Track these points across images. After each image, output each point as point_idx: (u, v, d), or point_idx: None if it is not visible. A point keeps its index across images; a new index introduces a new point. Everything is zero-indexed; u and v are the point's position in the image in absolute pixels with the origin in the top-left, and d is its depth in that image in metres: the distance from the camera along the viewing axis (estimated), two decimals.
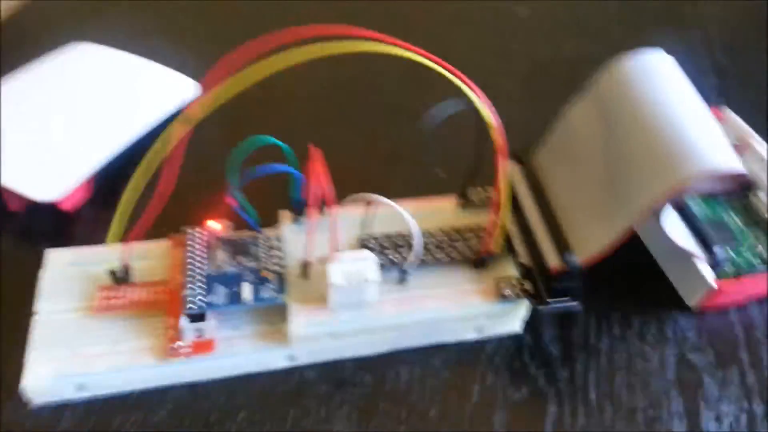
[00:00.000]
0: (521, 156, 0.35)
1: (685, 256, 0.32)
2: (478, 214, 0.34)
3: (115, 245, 0.30)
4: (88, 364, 0.28)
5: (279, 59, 0.24)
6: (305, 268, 0.30)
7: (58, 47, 0.41)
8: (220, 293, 0.29)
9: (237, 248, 0.31)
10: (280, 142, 0.29)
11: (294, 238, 0.32)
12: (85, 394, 0.29)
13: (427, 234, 0.32)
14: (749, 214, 0.36)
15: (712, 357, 0.31)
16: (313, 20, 0.24)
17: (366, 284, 0.28)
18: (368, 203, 0.30)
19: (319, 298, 0.30)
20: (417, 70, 0.45)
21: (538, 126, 0.35)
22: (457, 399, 0.30)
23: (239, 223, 0.32)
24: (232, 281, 0.29)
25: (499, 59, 0.48)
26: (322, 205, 0.32)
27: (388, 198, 0.29)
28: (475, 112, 0.27)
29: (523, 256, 0.32)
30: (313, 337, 0.29)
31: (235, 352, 0.29)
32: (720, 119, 0.39)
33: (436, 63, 0.25)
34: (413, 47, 0.24)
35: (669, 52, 0.33)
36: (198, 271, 0.30)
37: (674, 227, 0.32)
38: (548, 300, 0.30)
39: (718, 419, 0.29)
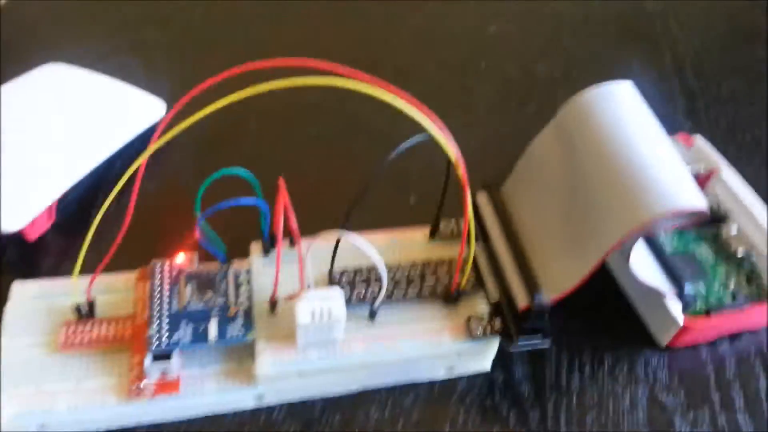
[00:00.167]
0: (491, 186, 0.35)
1: (655, 294, 0.32)
2: (449, 246, 0.34)
3: (81, 278, 0.29)
4: (52, 402, 0.28)
5: (242, 92, 0.23)
6: (273, 304, 0.30)
7: (31, 68, 0.40)
8: (186, 331, 0.28)
9: (204, 283, 0.30)
10: (247, 175, 0.28)
11: (263, 272, 0.31)
12: None
13: (398, 267, 0.32)
14: (720, 246, 0.35)
15: (682, 397, 0.31)
16: (277, 48, 0.24)
17: (333, 322, 0.28)
18: (337, 241, 0.29)
19: (287, 335, 0.29)
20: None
21: (511, 149, 0.35)
22: None
23: (210, 255, 0.31)
24: (198, 318, 0.29)
25: (469, 79, 0.48)
26: (293, 239, 0.32)
27: (359, 227, 0.29)
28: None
29: (493, 292, 0.31)
30: (281, 376, 0.29)
31: (202, 391, 0.29)
32: (689, 145, 0.39)
33: (396, 96, 0.24)
34: (373, 81, 0.24)
35: (639, 75, 0.33)
36: (164, 307, 0.29)
37: (643, 263, 0.32)
38: (518, 339, 0.30)
39: None
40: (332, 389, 0.30)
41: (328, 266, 0.31)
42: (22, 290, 0.31)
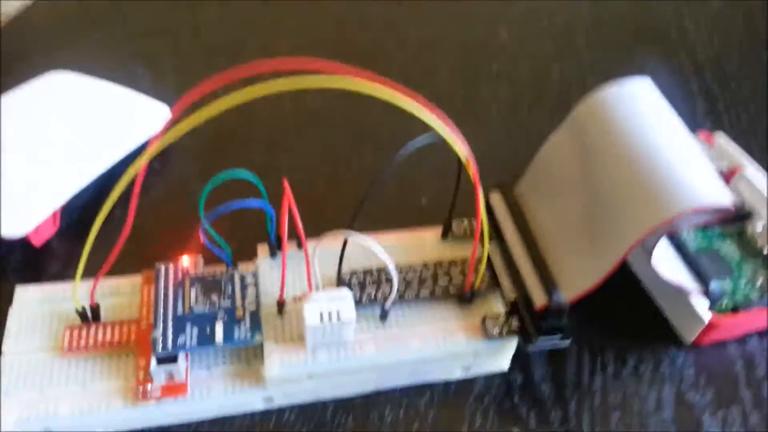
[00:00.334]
0: (505, 186, 0.34)
1: (680, 291, 0.31)
2: (462, 246, 0.33)
3: (83, 281, 0.28)
4: (56, 407, 0.27)
5: (246, 92, 0.22)
6: (281, 306, 0.29)
7: (35, 75, 0.40)
8: (192, 334, 0.28)
9: (210, 286, 0.29)
10: (251, 176, 0.28)
11: (270, 274, 0.31)
12: None
13: (409, 268, 0.31)
14: (746, 244, 0.34)
15: (711, 396, 0.30)
16: (285, 49, 0.23)
17: (343, 324, 0.27)
18: (345, 241, 0.28)
19: (296, 337, 0.28)
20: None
21: (525, 152, 0.34)
22: None
23: (215, 259, 0.30)
24: (204, 321, 0.28)
25: (481, 83, 0.47)
26: (300, 241, 0.31)
27: (370, 228, 0.28)
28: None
29: (509, 291, 0.30)
30: (291, 378, 0.28)
31: (209, 394, 0.28)
32: (711, 143, 0.38)
33: (405, 97, 0.23)
34: (380, 80, 0.23)
35: (656, 76, 0.32)
36: (168, 310, 0.28)
37: (667, 260, 0.31)
38: (536, 338, 0.28)
39: None
40: (344, 391, 0.29)
41: (336, 267, 0.30)
42: (25, 295, 0.30)
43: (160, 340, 0.27)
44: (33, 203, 0.33)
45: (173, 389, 0.27)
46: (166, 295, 0.29)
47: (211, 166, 0.28)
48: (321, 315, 0.27)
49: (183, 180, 0.38)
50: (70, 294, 0.29)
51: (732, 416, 0.29)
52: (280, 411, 0.29)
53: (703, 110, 0.45)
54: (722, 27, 0.54)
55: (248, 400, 0.28)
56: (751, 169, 0.36)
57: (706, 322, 0.30)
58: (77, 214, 0.36)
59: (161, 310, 0.28)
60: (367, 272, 0.30)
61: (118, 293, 0.31)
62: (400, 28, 0.53)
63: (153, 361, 0.27)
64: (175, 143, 0.38)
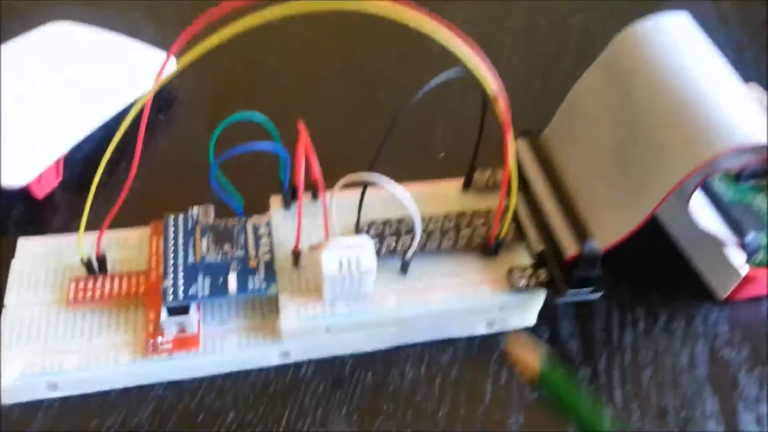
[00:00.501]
0: (531, 133, 0.32)
1: (715, 244, 0.29)
2: (485, 198, 0.31)
3: (89, 233, 0.27)
4: (61, 362, 0.26)
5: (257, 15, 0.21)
6: (296, 256, 0.27)
7: (34, 26, 0.38)
8: (204, 284, 0.26)
9: (222, 236, 0.28)
10: (262, 118, 0.26)
11: (284, 225, 0.29)
12: (58, 394, 0.26)
13: (431, 219, 0.29)
14: None
15: (747, 353, 0.29)
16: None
17: (363, 273, 0.25)
18: (365, 185, 0.27)
19: (313, 288, 0.27)
20: (415, 42, 0.43)
21: (546, 104, 0.32)
22: (467, 400, 0.27)
23: (226, 210, 0.29)
24: (216, 271, 0.27)
25: (500, 34, 0.45)
26: (315, 190, 0.30)
27: (389, 180, 0.27)
28: (476, 82, 0.24)
29: (536, 243, 0.29)
30: (307, 331, 0.26)
31: (222, 348, 0.26)
32: None
33: (431, 21, 0.22)
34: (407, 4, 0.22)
35: None
36: (179, 260, 0.27)
37: (702, 212, 0.29)
38: (566, 290, 0.27)
39: (758, 421, 0.26)
40: (363, 346, 0.28)
41: (354, 218, 0.29)
42: (28, 247, 0.29)
43: (171, 290, 0.26)
44: (34, 152, 0.31)
45: (185, 342, 0.26)
46: (176, 244, 0.28)
47: (219, 118, 0.27)
48: (340, 263, 0.25)
49: (191, 133, 0.37)
50: (75, 246, 0.28)
51: None
52: (297, 366, 0.27)
53: (731, 62, 0.43)
54: None
55: (263, 354, 0.27)
56: None
57: (743, 275, 0.29)
58: (81, 166, 0.34)
59: (171, 260, 0.27)
60: (386, 223, 0.29)
61: (126, 245, 0.29)
62: None
63: (163, 312, 0.26)
64: (181, 95, 0.36)
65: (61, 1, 0.44)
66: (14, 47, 0.36)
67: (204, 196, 0.29)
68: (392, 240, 0.28)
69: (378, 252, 0.28)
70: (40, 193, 0.32)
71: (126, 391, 0.26)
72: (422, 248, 0.28)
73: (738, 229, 0.29)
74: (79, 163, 0.34)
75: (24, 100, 0.33)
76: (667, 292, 0.31)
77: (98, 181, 0.25)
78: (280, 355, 0.27)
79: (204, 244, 0.28)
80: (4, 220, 0.32)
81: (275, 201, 0.30)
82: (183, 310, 0.26)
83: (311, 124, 0.26)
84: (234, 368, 0.27)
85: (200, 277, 0.26)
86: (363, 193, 0.28)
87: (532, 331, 0.29)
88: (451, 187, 0.32)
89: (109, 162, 0.25)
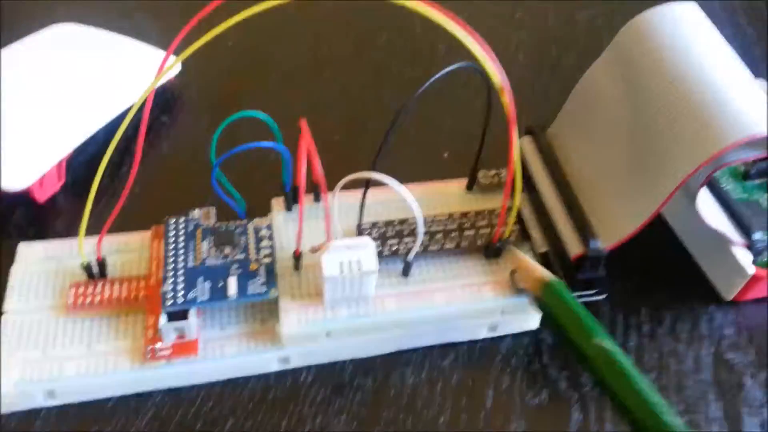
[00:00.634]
0: (535, 130, 0.32)
1: (721, 243, 0.29)
2: (488, 199, 0.31)
3: (91, 237, 0.27)
4: (60, 369, 0.25)
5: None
6: (297, 259, 0.27)
7: (38, 28, 0.38)
8: (204, 288, 0.26)
9: (222, 238, 0.28)
10: (264, 116, 0.26)
11: (286, 227, 0.29)
12: (56, 402, 0.26)
13: (433, 220, 0.29)
14: None
15: (753, 356, 0.28)
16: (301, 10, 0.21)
17: (364, 275, 0.25)
18: (367, 183, 0.27)
19: (313, 292, 0.27)
20: (422, 40, 0.42)
21: (551, 100, 0.32)
22: (468, 405, 0.27)
23: (227, 213, 0.29)
24: (216, 275, 0.27)
25: (506, 29, 0.45)
26: (317, 192, 0.30)
27: (391, 179, 0.27)
28: (483, 76, 0.24)
29: (540, 243, 0.28)
30: (308, 336, 0.26)
31: (222, 354, 0.26)
32: None
33: (437, 11, 0.21)
34: None
35: None
36: (179, 263, 0.27)
37: (709, 210, 0.29)
38: (570, 291, 0.27)
39: (763, 426, 0.26)
40: (364, 350, 0.28)
41: (356, 220, 0.29)
42: (28, 251, 0.29)
43: (171, 294, 0.26)
44: (35, 155, 0.31)
45: (184, 348, 0.26)
46: (176, 247, 0.27)
47: (222, 119, 0.26)
48: (340, 265, 0.25)
49: (194, 134, 0.37)
50: (76, 251, 0.28)
51: None
52: (297, 372, 0.27)
53: (739, 57, 0.43)
54: None
55: (263, 360, 0.27)
56: None
57: (750, 275, 0.28)
58: (84, 169, 0.34)
59: (171, 263, 0.27)
60: (389, 224, 0.29)
61: (126, 250, 0.29)
62: None
63: (162, 318, 0.25)
64: (184, 97, 0.36)
65: (64, 3, 0.44)
66: (17, 49, 0.36)
67: (207, 198, 0.29)
68: (394, 241, 0.28)
69: (380, 254, 0.28)
70: (41, 196, 0.32)
71: (124, 399, 0.26)
72: (425, 250, 0.28)
73: (745, 228, 0.29)
74: (82, 165, 0.34)
75: (26, 102, 0.33)
76: (673, 293, 0.30)
77: (100, 184, 0.25)
78: (280, 361, 0.27)
79: (205, 246, 0.28)
80: (5, 224, 0.32)
81: (277, 203, 0.30)
82: (182, 315, 0.26)
83: (314, 124, 0.26)
84: (233, 375, 0.27)
85: (200, 281, 0.26)
86: (365, 194, 0.27)
87: (535, 334, 0.29)
88: (455, 187, 0.31)
89: (112, 164, 0.25)
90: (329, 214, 0.26)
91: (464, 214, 0.29)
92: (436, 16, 0.21)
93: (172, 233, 0.28)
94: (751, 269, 0.28)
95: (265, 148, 0.26)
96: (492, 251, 0.28)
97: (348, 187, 0.26)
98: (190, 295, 0.26)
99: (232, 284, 0.26)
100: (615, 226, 0.27)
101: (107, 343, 0.26)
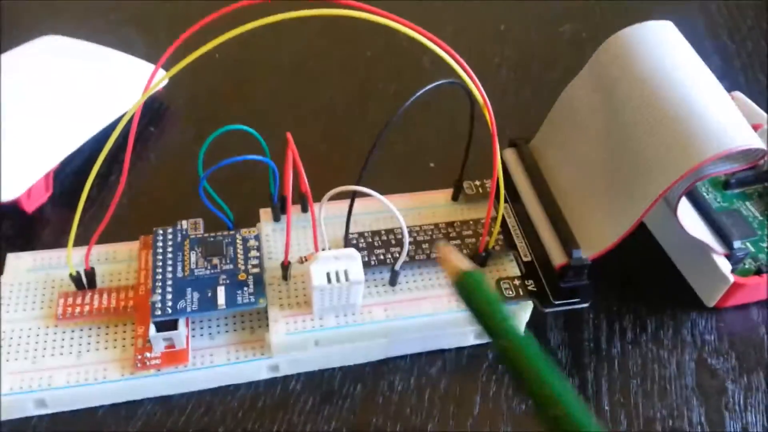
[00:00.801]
0: (519, 142, 0.32)
1: (702, 251, 0.30)
2: (473, 208, 0.31)
3: (79, 248, 0.27)
4: (50, 378, 0.26)
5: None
6: (286, 269, 0.27)
7: (26, 40, 0.38)
8: (193, 298, 0.26)
9: (211, 248, 0.28)
10: (250, 129, 0.26)
11: (274, 238, 0.29)
12: (47, 411, 0.26)
13: (419, 230, 0.29)
14: (767, 204, 0.33)
15: (734, 361, 0.29)
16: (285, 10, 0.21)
17: (351, 285, 0.25)
18: (353, 195, 0.27)
19: (302, 302, 0.27)
20: (404, 56, 0.43)
21: (534, 113, 0.32)
22: (456, 411, 0.27)
23: (216, 223, 0.29)
24: (205, 285, 0.27)
25: (490, 44, 0.46)
26: (305, 202, 0.30)
27: (376, 192, 0.27)
28: (466, 91, 0.25)
29: (524, 253, 0.29)
30: (297, 344, 0.26)
31: (211, 363, 0.26)
32: None
33: (422, 35, 0.22)
34: (398, 18, 0.22)
35: None
36: (167, 273, 0.27)
37: (689, 219, 0.30)
38: (554, 301, 0.27)
39: (745, 430, 0.26)
40: (352, 358, 0.28)
41: (343, 230, 0.29)
42: (17, 262, 0.29)
43: (159, 304, 0.26)
44: (23, 166, 0.31)
45: (173, 357, 0.26)
46: (164, 258, 0.28)
47: (210, 131, 0.27)
48: (328, 275, 0.25)
49: (182, 145, 0.37)
50: (64, 261, 0.28)
51: (757, 382, 0.28)
52: (286, 380, 0.27)
53: (720, 71, 0.44)
54: None
55: (253, 368, 0.27)
56: None
57: (731, 282, 0.29)
58: (71, 180, 0.34)
59: (159, 274, 0.27)
60: (375, 233, 0.29)
61: (114, 260, 0.29)
62: None
63: (152, 327, 0.26)
64: (172, 108, 0.36)
65: (51, 15, 0.44)
66: (5, 60, 0.36)
67: (195, 209, 0.29)
68: (381, 251, 0.29)
69: (367, 263, 0.28)
70: (29, 207, 0.32)
71: (115, 407, 0.26)
72: (411, 259, 0.28)
73: (725, 238, 0.30)
74: (70, 176, 0.34)
75: (13, 113, 0.33)
76: (656, 300, 0.31)
77: (88, 195, 0.25)
78: (269, 369, 0.27)
79: (193, 257, 0.28)
80: None
81: (265, 214, 0.30)
82: (171, 324, 0.26)
83: (301, 137, 0.26)
84: (223, 383, 0.27)
85: (189, 291, 0.26)
86: (351, 206, 0.28)
87: None
88: (440, 197, 0.32)
89: (100, 175, 0.25)
90: (317, 225, 0.27)
91: (450, 224, 0.30)
92: (418, 37, 0.22)
93: (160, 244, 0.28)
94: (731, 277, 0.29)
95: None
96: (477, 260, 0.29)
97: (335, 198, 0.26)
98: (179, 305, 0.26)
99: (221, 294, 0.26)
100: (597, 236, 0.27)
101: (97, 352, 0.26)
